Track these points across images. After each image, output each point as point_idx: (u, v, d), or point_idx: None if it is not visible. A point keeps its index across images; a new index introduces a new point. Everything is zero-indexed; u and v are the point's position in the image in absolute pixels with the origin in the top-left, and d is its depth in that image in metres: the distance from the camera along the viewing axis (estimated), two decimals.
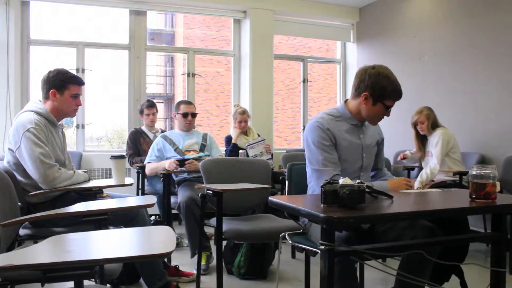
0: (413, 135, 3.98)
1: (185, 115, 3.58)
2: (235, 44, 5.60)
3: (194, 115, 3.63)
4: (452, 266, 1.95)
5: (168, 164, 3.24)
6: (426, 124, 3.82)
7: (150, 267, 2.44)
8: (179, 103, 3.68)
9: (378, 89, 1.97)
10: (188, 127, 3.62)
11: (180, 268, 2.89)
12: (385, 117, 2.09)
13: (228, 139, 4.43)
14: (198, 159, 3.26)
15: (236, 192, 2.76)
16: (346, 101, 2.13)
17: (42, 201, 2.32)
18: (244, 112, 4.32)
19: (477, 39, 4.17)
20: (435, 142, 3.75)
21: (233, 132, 4.41)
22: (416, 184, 3.45)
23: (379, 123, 2.19)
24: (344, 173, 2.01)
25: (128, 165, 4.11)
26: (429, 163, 3.73)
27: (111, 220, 1.83)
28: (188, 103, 3.69)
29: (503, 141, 3.88)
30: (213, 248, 2.64)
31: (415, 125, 3.92)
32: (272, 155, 4.33)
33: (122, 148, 5.40)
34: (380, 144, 2.26)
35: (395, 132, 4.12)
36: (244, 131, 4.40)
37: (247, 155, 4.05)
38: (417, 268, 1.76)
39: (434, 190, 2.13)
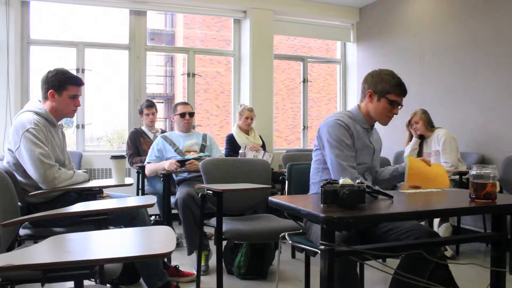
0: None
1: (182, 115, 3.59)
2: (235, 44, 5.60)
3: (191, 114, 3.64)
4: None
5: (168, 164, 3.24)
6: (421, 123, 3.87)
7: (150, 267, 2.44)
8: (176, 105, 3.72)
9: (380, 84, 2.06)
10: (187, 127, 3.62)
11: (180, 268, 2.90)
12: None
13: (229, 138, 4.43)
14: (198, 159, 3.26)
15: (236, 192, 2.76)
16: (358, 105, 2.17)
17: (42, 201, 2.31)
18: (252, 109, 4.48)
19: (477, 39, 4.17)
20: (442, 140, 3.74)
21: (235, 130, 4.42)
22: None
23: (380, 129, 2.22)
24: None
25: (128, 165, 4.11)
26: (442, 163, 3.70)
27: (111, 220, 1.83)
28: (185, 103, 3.72)
29: (503, 141, 3.88)
30: (213, 248, 2.64)
31: (410, 125, 3.99)
32: (264, 149, 4.41)
33: (122, 148, 5.40)
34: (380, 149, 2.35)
35: (394, 132, 4.12)
36: (247, 130, 4.44)
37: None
38: (416, 268, 1.76)
39: (434, 190, 2.13)
